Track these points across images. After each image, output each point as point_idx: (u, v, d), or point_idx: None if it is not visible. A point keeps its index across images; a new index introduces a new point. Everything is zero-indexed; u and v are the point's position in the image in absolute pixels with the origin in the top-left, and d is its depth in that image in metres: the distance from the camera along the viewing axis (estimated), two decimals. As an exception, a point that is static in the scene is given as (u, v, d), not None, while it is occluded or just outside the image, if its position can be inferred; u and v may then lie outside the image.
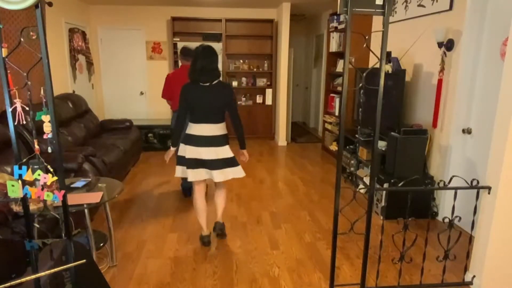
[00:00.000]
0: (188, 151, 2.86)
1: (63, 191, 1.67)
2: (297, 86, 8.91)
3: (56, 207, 2.13)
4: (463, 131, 3.26)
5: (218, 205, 3.14)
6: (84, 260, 1.35)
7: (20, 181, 1.62)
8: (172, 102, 3.95)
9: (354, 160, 4.45)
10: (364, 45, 2.20)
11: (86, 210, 2.39)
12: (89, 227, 2.46)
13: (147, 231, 3.23)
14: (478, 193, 2.32)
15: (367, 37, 2.25)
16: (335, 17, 5.58)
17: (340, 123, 2.08)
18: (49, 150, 1.68)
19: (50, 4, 1.58)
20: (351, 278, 2.55)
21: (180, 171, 2.94)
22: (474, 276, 2.40)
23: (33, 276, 1.26)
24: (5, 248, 1.55)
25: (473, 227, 2.42)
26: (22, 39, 1.65)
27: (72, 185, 2.66)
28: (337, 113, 5.58)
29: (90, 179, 2.81)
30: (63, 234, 1.80)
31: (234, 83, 6.99)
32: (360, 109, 4.07)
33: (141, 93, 7.02)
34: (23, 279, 1.23)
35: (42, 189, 1.63)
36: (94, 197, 2.42)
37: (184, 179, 3.99)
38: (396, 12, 4.15)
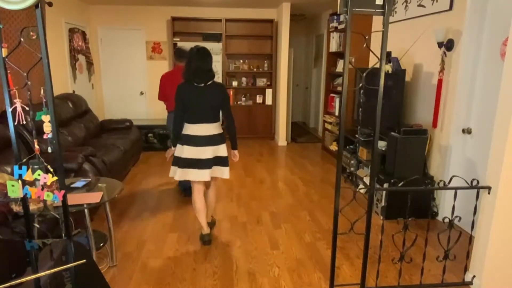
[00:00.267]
0: (186, 151, 2.88)
1: (63, 191, 1.67)
2: (297, 86, 8.91)
3: (56, 207, 2.13)
4: (463, 131, 3.26)
5: (208, 206, 3.16)
6: (84, 260, 1.35)
7: (20, 181, 1.62)
8: (167, 103, 3.97)
9: (354, 160, 4.45)
10: (364, 45, 2.20)
11: (86, 210, 2.39)
12: (89, 227, 2.46)
13: (147, 231, 3.23)
14: (478, 193, 2.32)
15: (367, 37, 2.25)
16: (335, 17, 5.59)
17: (340, 123, 2.08)
18: (49, 150, 1.68)
19: (50, 4, 1.58)
20: (351, 278, 2.55)
21: (174, 171, 2.96)
22: (474, 276, 2.40)
23: (33, 276, 1.26)
24: (5, 248, 1.55)
25: (473, 227, 2.42)
26: (22, 39, 1.65)
27: (72, 185, 2.66)
28: (337, 113, 5.58)
29: (90, 179, 2.81)
30: (63, 234, 1.80)
31: (234, 83, 7.00)
32: (360, 109, 4.07)
33: (141, 93, 7.02)
34: (23, 279, 1.23)
35: (42, 189, 1.63)
36: (94, 197, 2.42)
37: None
38: (396, 12, 4.15)
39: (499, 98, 2.19)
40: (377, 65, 1.97)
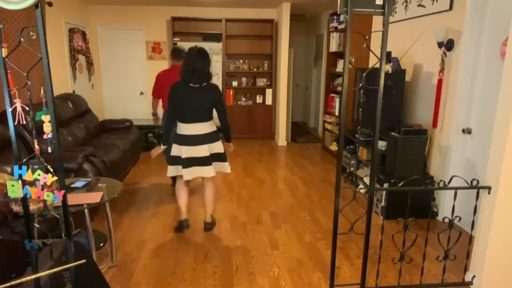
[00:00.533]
0: (184, 151, 2.92)
1: (63, 191, 1.67)
2: (297, 86, 8.91)
3: (56, 207, 2.13)
4: (463, 131, 3.26)
5: (207, 205, 3.22)
6: (84, 260, 1.35)
7: (20, 181, 1.62)
8: (164, 101, 4.02)
9: (354, 160, 4.45)
10: (364, 45, 2.20)
11: (86, 210, 2.39)
12: (89, 227, 2.46)
13: (147, 231, 3.23)
14: (478, 193, 2.32)
15: (367, 37, 2.25)
16: (335, 17, 5.59)
17: (340, 123, 2.08)
18: (49, 150, 1.68)
19: (50, 4, 1.58)
20: (351, 278, 2.55)
21: (173, 170, 3.02)
22: (474, 276, 2.40)
23: (33, 276, 1.26)
24: (5, 248, 1.55)
25: (473, 227, 2.42)
26: (22, 39, 1.65)
27: (72, 185, 2.66)
28: (337, 113, 5.58)
29: (90, 179, 2.81)
30: (63, 234, 1.80)
31: (234, 83, 7.00)
32: (360, 109, 4.07)
33: (141, 93, 7.02)
34: (23, 279, 1.23)
35: (42, 189, 1.63)
36: (94, 197, 2.42)
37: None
38: (396, 12, 4.15)
39: (499, 98, 2.19)
40: (377, 65, 1.97)
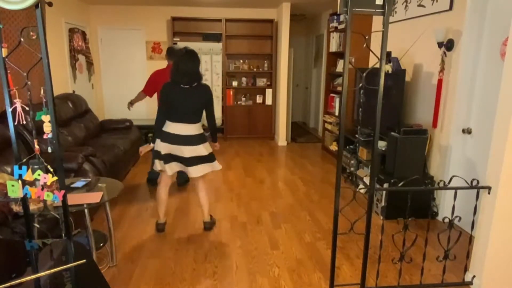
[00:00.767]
0: (163, 147, 2.97)
1: (63, 191, 1.67)
2: (297, 86, 8.91)
3: (56, 207, 2.13)
4: (463, 131, 3.26)
5: (203, 205, 3.25)
6: (84, 260, 1.35)
7: (20, 181, 1.62)
8: (158, 100, 4.06)
9: (354, 160, 4.45)
10: (364, 45, 2.20)
11: (86, 210, 2.39)
12: (89, 227, 2.46)
13: (147, 231, 3.23)
14: (478, 193, 2.32)
15: (367, 37, 2.25)
16: (335, 17, 5.58)
17: (340, 123, 2.08)
18: (49, 150, 1.68)
19: (50, 4, 1.58)
20: (351, 278, 2.55)
21: (158, 164, 3.06)
22: (474, 276, 2.40)
23: (33, 276, 1.26)
24: (5, 248, 1.54)
25: (473, 227, 2.42)
26: (22, 39, 1.65)
27: (72, 185, 2.66)
28: (337, 113, 5.58)
29: (90, 179, 2.81)
30: (63, 234, 1.80)
31: (234, 83, 7.00)
32: (360, 109, 4.07)
33: (141, 93, 7.01)
34: (23, 279, 1.23)
35: (42, 189, 1.63)
36: (94, 197, 2.42)
37: (153, 170, 4.27)
38: (396, 12, 4.15)
39: (499, 98, 2.19)
40: (377, 65, 1.97)
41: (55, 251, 1.48)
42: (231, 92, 6.96)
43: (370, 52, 4.77)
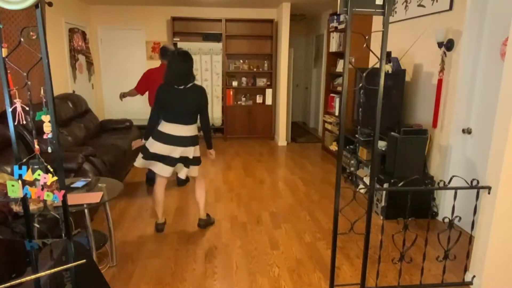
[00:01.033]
0: (155, 146, 2.98)
1: (63, 191, 1.67)
2: (297, 86, 8.91)
3: (56, 207, 2.13)
4: (463, 131, 3.26)
5: (199, 203, 3.28)
6: (84, 260, 1.35)
7: (20, 181, 1.62)
8: (150, 97, 4.15)
9: (354, 160, 4.45)
10: (364, 45, 2.20)
11: (86, 210, 2.39)
12: (89, 227, 2.46)
13: (147, 231, 3.23)
14: (478, 193, 2.32)
15: (367, 37, 2.25)
16: (335, 17, 5.59)
17: (340, 123, 2.08)
18: (49, 150, 1.68)
19: (50, 4, 1.58)
20: (351, 278, 2.55)
21: (141, 162, 3.06)
22: (474, 276, 2.40)
23: (33, 276, 1.26)
24: (5, 248, 1.55)
25: (473, 227, 2.42)
26: (22, 39, 1.65)
27: (72, 185, 2.66)
28: (337, 113, 5.58)
29: (90, 179, 2.81)
30: (63, 234, 1.80)
31: (234, 83, 7.00)
32: (360, 109, 4.07)
33: (141, 93, 7.01)
34: (23, 279, 1.23)
35: (42, 189, 1.63)
36: (94, 197, 2.42)
37: (150, 170, 4.21)
38: (396, 12, 4.15)
39: (499, 98, 2.19)
40: (377, 65, 1.97)
41: (55, 251, 1.48)
42: (231, 92, 6.96)
43: (370, 52, 4.77)
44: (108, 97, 6.98)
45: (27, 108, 1.63)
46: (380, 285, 2.45)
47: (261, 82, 7.12)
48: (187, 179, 4.45)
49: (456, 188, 2.28)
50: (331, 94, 5.88)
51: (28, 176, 1.59)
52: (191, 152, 3.02)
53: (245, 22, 6.87)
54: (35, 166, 1.65)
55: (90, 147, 3.90)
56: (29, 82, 1.63)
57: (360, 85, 2.09)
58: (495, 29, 2.93)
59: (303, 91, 9.06)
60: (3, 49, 1.56)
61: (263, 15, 6.90)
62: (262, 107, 7.10)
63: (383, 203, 3.48)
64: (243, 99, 7.12)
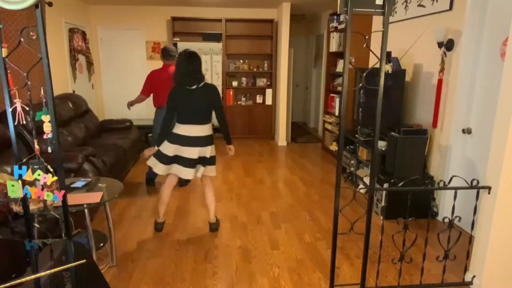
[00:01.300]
0: (172, 149, 2.97)
1: (63, 191, 1.67)
2: (297, 86, 8.91)
3: (56, 207, 2.13)
4: (463, 131, 3.26)
5: (209, 205, 3.24)
6: (84, 260, 1.35)
7: (20, 181, 1.62)
8: (154, 99, 4.18)
9: (354, 160, 4.45)
10: (364, 45, 2.20)
11: (86, 210, 2.39)
12: (89, 227, 2.46)
13: (147, 231, 3.23)
14: (478, 193, 2.32)
15: (367, 37, 2.25)
16: (335, 17, 5.58)
17: (340, 123, 2.08)
18: (49, 150, 1.68)
19: (50, 4, 1.58)
20: (351, 278, 2.55)
21: (162, 168, 3.03)
22: (474, 276, 2.40)
23: (33, 276, 1.26)
24: (5, 248, 1.55)
25: (473, 227, 2.42)
26: (22, 39, 1.65)
27: (72, 185, 2.66)
28: (337, 113, 5.58)
29: (90, 179, 2.81)
30: (63, 234, 1.80)
31: (234, 83, 7.00)
32: (360, 109, 4.07)
33: (141, 93, 7.01)
34: (23, 279, 1.23)
35: (42, 189, 1.63)
36: (94, 197, 2.42)
37: (151, 170, 4.20)
38: (396, 12, 4.15)
39: (499, 98, 2.19)
40: (377, 65, 1.97)
41: (55, 251, 1.48)
42: (231, 92, 6.96)
43: (370, 52, 4.77)
44: (108, 97, 6.98)
45: (27, 108, 1.63)
46: (380, 285, 2.45)
47: (261, 82, 7.12)
48: (188, 179, 4.45)
49: (456, 188, 2.28)
50: (331, 94, 5.88)
51: (28, 176, 1.60)
52: (208, 151, 3.02)
53: (245, 22, 6.87)
54: (35, 166, 1.65)
55: (90, 147, 3.90)
56: (29, 82, 1.63)
57: (360, 85, 2.09)
58: (495, 29, 2.93)
59: (303, 91, 9.06)
60: (3, 49, 1.56)
61: (263, 15, 6.90)
62: (262, 107, 7.10)
63: (383, 203, 3.48)
64: (243, 99, 7.12)
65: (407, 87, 3.94)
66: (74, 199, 2.38)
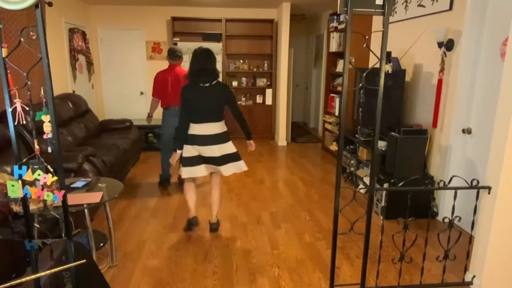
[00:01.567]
0: (191, 150, 2.96)
1: (63, 191, 1.67)
2: (297, 86, 8.91)
3: (56, 207, 2.13)
4: (463, 131, 3.26)
5: (213, 205, 3.22)
6: (84, 260, 1.35)
7: (20, 181, 1.62)
8: (163, 101, 4.17)
9: (354, 160, 4.45)
10: (364, 45, 2.20)
11: (86, 210, 2.39)
12: (89, 227, 2.46)
13: (147, 231, 3.23)
14: (478, 193, 2.32)
15: (367, 37, 2.25)
16: (335, 17, 5.59)
17: (340, 123, 2.08)
18: (49, 150, 1.68)
19: (50, 4, 1.58)
20: (351, 278, 2.55)
21: (187, 172, 3.00)
22: (474, 276, 2.40)
23: (33, 276, 1.26)
24: (5, 248, 1.55)
25: (473, 227, 2.42)
26: (22, 39, 1.65)
27: (72, 185, 2.66)
28: (337, 113, 5.58)
29: (90, 179, 2.81)
30: (63, 234, 1.80)
31: (234, 83, 7.00)
32: (360, 109, 4.07)
33: (141, 93, 7.02)
34: (23, 279, 1.23)
35: (42, 189, 1.63)
36: (94, 197, 2.42)
37: (165, 170, 4.36)
38: (396, 12, 4.15)
39: (499, 98, 2.19)
40: (377, 65, 1.97)
41: (55, 251, 1.48)
42: (231, 92, 6.95)
43: (370, 52, 4.77)
44: (108, 97, 6.98)
45: (27, 108, 1.63)
46: (380, 285, 2.45)
47: (261, 82, 7.12)
48: (168, 179, 4.43)
49: (456, 188, 2.28)
50: (331, 94, 5.88)
51: (28, 176, 1.60)
52: (228, 147, 3.03)
53: (245, 22, 6.87)
54: (35, 166, 1.65)
55: (90, 147, 3.90)
56: (29, 82, 1.63)
57: (360, 85, 2.09)
58: (495, 29, 2.93)
59: (303, 91, 9.06)
60: (3, 49, 1.56)
61: (263, 15, 6.90)
62: (262, 107, 7.10)
63: (383, 203, 3.48)
64: (243, 99, 7.12)
65: (407, 87, 3.94)
66: (74, 199, 2.38)
